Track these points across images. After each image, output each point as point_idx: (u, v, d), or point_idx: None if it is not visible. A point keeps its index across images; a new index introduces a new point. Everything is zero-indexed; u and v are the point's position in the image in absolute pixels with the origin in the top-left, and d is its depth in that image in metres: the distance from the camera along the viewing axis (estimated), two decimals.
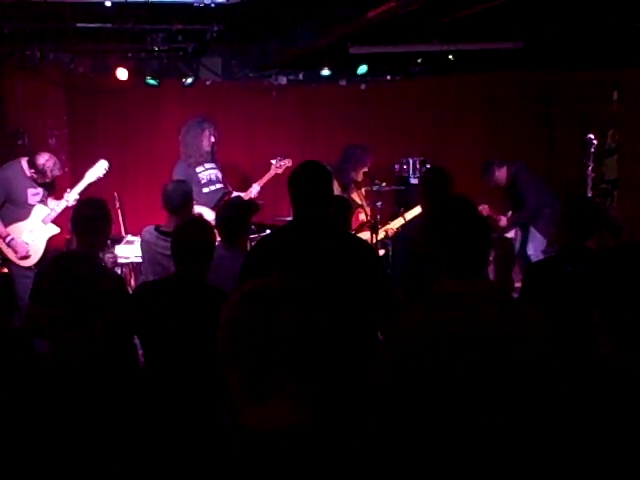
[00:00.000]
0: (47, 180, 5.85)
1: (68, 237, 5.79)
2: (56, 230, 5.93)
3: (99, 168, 5.91)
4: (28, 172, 5.81)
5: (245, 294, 1.39)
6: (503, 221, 6.72)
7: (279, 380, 1.33)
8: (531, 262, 6.55)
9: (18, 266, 5.85)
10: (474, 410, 2.07)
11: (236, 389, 1.37)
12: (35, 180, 5.82)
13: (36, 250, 5.86)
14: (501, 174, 6.73)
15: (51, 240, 5.95)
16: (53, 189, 6.08)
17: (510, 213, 6.76)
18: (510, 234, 7.02)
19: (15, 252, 5.79)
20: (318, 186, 3.05)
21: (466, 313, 2.12)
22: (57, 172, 5.86)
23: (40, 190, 5.92)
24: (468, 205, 2.34)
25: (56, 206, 5.87)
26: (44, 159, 5.76)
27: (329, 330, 1.39)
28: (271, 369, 1.33)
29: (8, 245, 5.78)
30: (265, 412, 1.34)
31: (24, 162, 5.86)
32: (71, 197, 5.81)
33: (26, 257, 5.82)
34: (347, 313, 2.69)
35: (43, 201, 5.95)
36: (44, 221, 5.88)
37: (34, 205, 5.89)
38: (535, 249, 6.67)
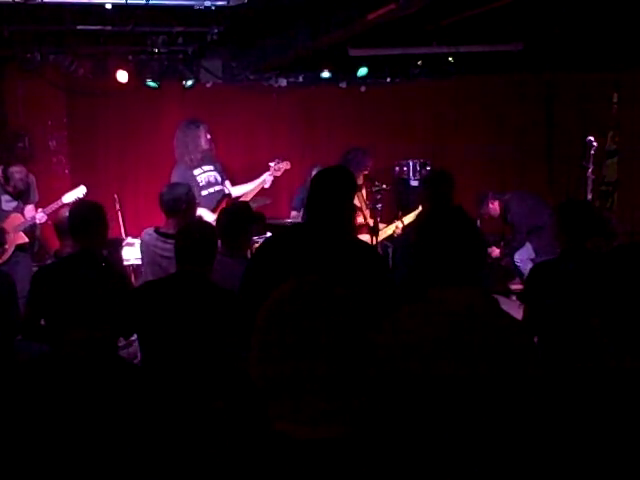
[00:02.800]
0: (10, 189, 6.10)
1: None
2: (25, 240, 6.12)
3: (77, 192, 6.06)
4: (1, 179, 6.09)
5: (283, 296, 1.38)
6: (495, 252, 7.03)
7: (314, 384, 1.33)
8: (518, 269, 6.74)
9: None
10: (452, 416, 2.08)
11: (270, 393, 1.36)
12: (4, 187, 6.10)
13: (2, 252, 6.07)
14: (494, 206, 7.06)
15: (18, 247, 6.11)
16: (26, 200, 6.24)
17: (502, 244, 7.09)
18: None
19: None
20: (342, 193, 3.01)
21: (446, 320, 2.12)
22: (20, 186, 6.12)
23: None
24: (461, 215, 2.33)
25: (30, 218, 6.09)
26: (15, 168, 6.11)
27: (361, 332, 1.39)
28: (307, 373, 1.32)
29: None
30: (300, 418, 1.33)
31: None
32: (38, 215, 6.03)
33: None
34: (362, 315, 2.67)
35: (20, 209, 6.15)
36: (16, 228, 6.07)
37: (9, 211, 6.11)
38: (522, 257, 6.84)
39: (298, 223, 4.92)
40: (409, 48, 6.76)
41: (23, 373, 2.33)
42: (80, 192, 6.04)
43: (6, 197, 6.12)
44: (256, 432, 1.37)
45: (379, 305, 2.89)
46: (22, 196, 6.18)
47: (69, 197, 5.98)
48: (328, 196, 2.98)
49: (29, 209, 6.15)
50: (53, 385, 2.22)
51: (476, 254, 2.27)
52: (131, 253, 5.95)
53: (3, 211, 6.09)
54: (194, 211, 4.80)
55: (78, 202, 4.56)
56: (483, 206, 7.03)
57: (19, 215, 6.11)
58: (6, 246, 6.03)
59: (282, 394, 1.34)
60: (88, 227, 3.78)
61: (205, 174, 6.21)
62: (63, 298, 3.47)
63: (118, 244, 5.86)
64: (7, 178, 6.04)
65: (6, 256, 6.06)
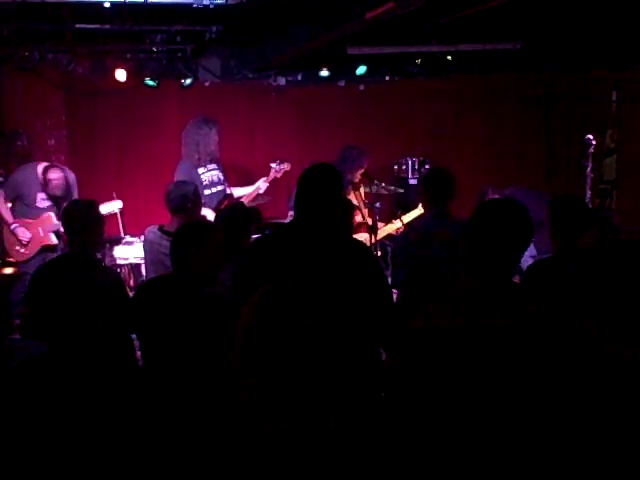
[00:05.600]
0: (49, 192, 5.99)
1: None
2: (53, 242, 6.04)
3: (113, 205, 6.16)
4: (40, 177, 5.97)
5: (263, 300, 1.36)
6: None
7: (296, 385, 1.32)
8: (519, 266, 6.70)
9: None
10: (483, 403, 2.06)
11: (252, 393, 1.35)
12: (43, 187, 5.99)
13: (30, 248, 6.04)
14: None
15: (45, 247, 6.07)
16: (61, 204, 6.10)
17: None
18: None
19: (17, 236, 6.00)
20: (328, 191, 2.96)
21: (479, 309, 2.10)
22: (57, 192, 5.96)
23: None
24: (512, 208, 2.28)
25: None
26: (53, 175, 5.94)
27: (344, 335, 1.38)
28: (290, 374, 1.31)
29: (12, 232, 6.02)
30: (282, 417, 1.32)
31: (40, 167, 6.03)
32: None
33: (24, 245, 6.02)
34: (349, 317, 2.66)
35: (54, 209, 6.03)
36: (48, 229, 6.02)
37: (44, 209, 6.05)
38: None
39: (291, 221, 4.90)
40: (408, 46, 6.75)
41: (20, 374, 2.33)
42: (116, 206, 6.14)
43: (42, 195, 6.04)
44: (244, 432, 1.36)
45: (372, 305, 2.88)
46: (58, 202, 5.98)
47: (104, 209, 5.90)
48: (313, 194, 2.94)
49: None
50: (51, 387, 2.22)
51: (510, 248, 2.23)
52: (130, 252, 5.96)
53: (37, 209, 6.05)
54: (199, 210, 4.79)
55: (74, 201, 4.53)
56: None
57: (52, 216, 6.02)
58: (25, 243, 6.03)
59: (266, 398, 1.32)
60: (85, 227, 3.76)
61: (209, 173, 6.20)
62: (59, 299, 3.46)
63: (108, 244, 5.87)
64: (46, 182, 5.95)
65: (29, 253, 6.04)
